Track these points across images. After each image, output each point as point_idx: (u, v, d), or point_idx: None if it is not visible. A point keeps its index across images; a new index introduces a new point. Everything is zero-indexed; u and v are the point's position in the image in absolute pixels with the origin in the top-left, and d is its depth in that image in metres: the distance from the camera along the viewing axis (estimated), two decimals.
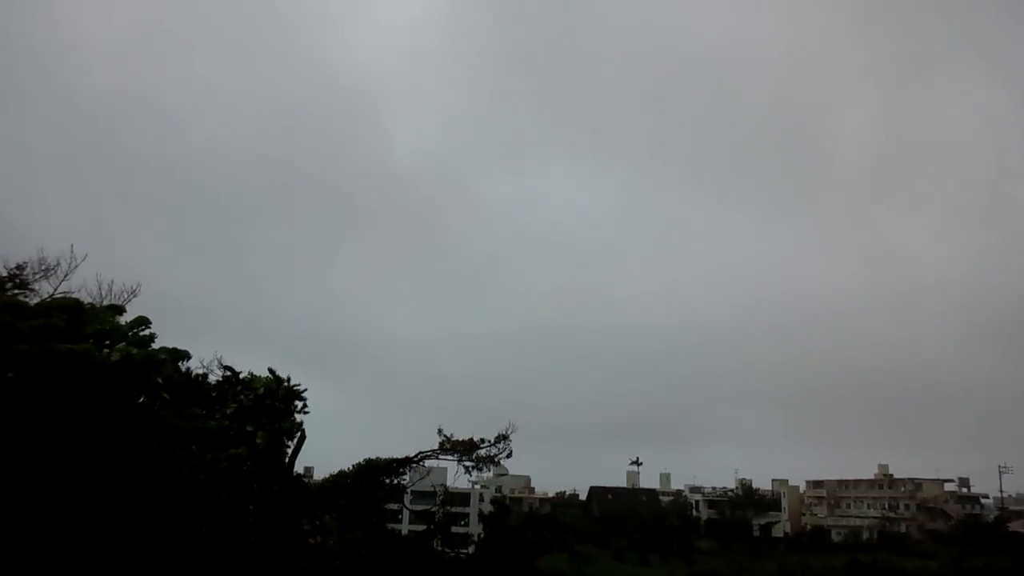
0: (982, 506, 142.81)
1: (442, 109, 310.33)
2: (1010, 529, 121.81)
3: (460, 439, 26.97)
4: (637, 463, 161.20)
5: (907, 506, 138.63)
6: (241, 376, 25.85)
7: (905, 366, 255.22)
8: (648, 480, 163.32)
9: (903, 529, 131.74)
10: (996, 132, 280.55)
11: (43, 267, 18.37)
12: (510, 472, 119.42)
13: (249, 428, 22.91)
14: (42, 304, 10.91)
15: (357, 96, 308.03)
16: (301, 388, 23.19)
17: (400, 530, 35.75)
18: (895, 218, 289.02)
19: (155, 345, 13.16)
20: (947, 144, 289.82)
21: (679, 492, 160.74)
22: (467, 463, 26.60)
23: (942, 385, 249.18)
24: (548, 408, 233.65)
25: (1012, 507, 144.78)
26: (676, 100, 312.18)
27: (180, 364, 14.62)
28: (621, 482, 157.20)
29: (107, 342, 10.67)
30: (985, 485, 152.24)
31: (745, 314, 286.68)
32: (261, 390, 23.11)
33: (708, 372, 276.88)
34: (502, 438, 26.86)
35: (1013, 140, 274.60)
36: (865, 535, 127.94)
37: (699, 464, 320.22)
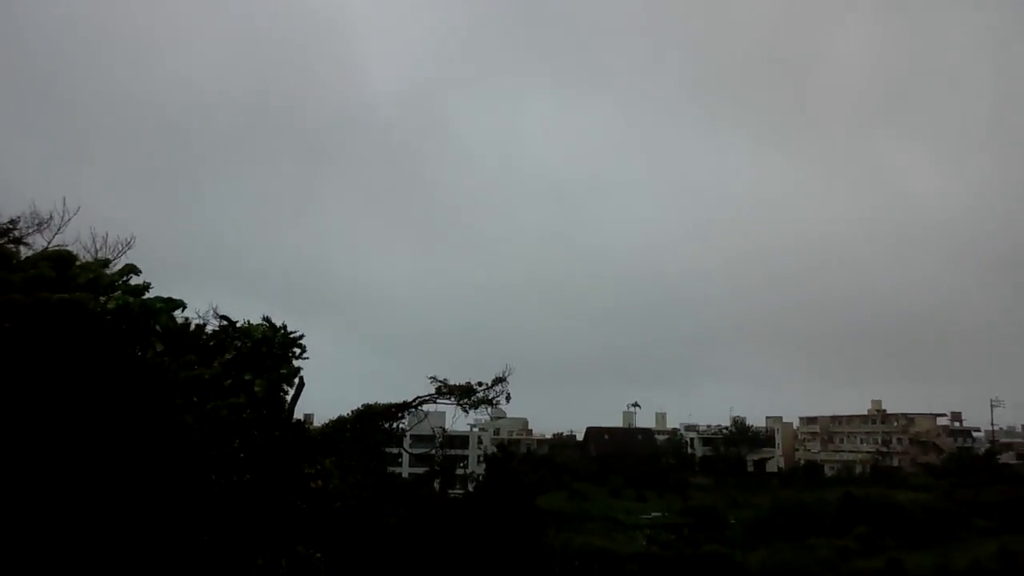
0: (974, 439, 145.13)
1: (417, 37, 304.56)
2: (1000, 461, 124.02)
3: (456, 384, 27.11)
4: (635, 406, 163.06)
5: (900, 440, 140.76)
6: (237, 325, 25.85)
7: (900, 301, 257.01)
8: (644, 420, 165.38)
9: (896, 463, 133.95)
10: (1001, 56, 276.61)
11: (36, 221, 18.23)
12: (508, 415, 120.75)
13: (247, 376, 22.95)
14: (31, 256, 10.83)
15: (328, 26, 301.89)
16: (298, 334, 23.20)
17: (400, 473, 36.23)
18: (894, 146, 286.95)
19: (148, 295, 13.11)
20: (949, 69, 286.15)
21: (675, 431, 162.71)
22: (465, 405, 26.78)
23: (936, 320, 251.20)
24: (544, 351, 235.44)
25: (1003, 440, 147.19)
26: (667, 24, 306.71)
27: (175, 314, 14.60)
28: (618, 423, 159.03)
29: (98, 293, 10.61)
30: (977, 419, 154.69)
31: (739, 251, 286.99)
32: (258, 337, 23.12)
33: (702, 311, 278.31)
34: (499, 381, 26.99)
35: (1019, 65, 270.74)
36: (858, 469, 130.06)
37: (694, 403, 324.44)
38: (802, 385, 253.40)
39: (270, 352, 22.35)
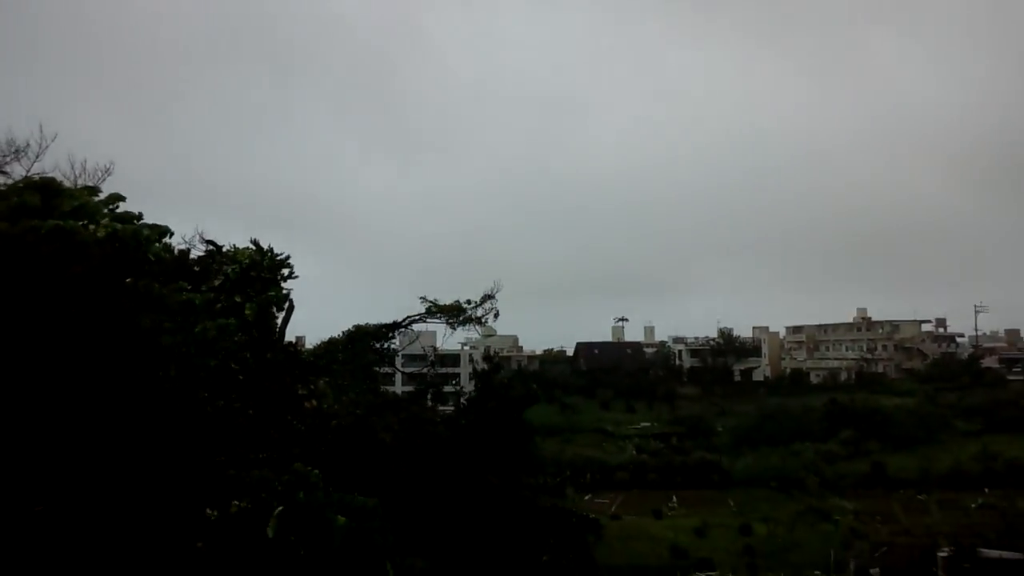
0: (957, 345, 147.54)
1: None
2: (983, 365, 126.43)
3: (446, 303, 27.39)
4: (622, 320, 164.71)
5: (884, 347, 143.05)
6: (224, 249, 25.87)
7: (887, 207, 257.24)
8: (633, 334, 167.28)
9: (880, 369, 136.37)
10: None
11: (13, 149, 18.00)
12: (498, 332, 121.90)
13: (237, 299, 23.10)
14: (14, 185, 10.79)
15: None
16: (284, 257, 23.26)
17: (394, 391, 36.80)
18: (887, 43, 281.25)
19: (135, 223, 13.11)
20: None
21: (662, 344, 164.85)
22: (454, 324, 27.12)
23: (922, 226, 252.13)
24: (531, 268, 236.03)
25: (986, 344, 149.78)
26: None
27: (161, 241, 14.63)
28: (607, 338, 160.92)
29: (86, 221, 10.63)
30: (962, 326, 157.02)
31: (726, 158, 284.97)
32: (246, 262, 23.17)
33: (689, 223, 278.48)
34: (487, 298, 27.29)
35: None
36: (843, 376, 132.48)
37: (682, 317, 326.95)
38: (789, 295, 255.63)
39: (258, 276, 22.45)
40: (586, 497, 68.76)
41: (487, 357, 23.04)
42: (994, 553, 51.43)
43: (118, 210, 12.25)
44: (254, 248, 24.00)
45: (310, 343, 33.22)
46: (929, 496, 74.93)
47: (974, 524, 62.81)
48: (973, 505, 69.54)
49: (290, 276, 23.12)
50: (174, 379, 9.15)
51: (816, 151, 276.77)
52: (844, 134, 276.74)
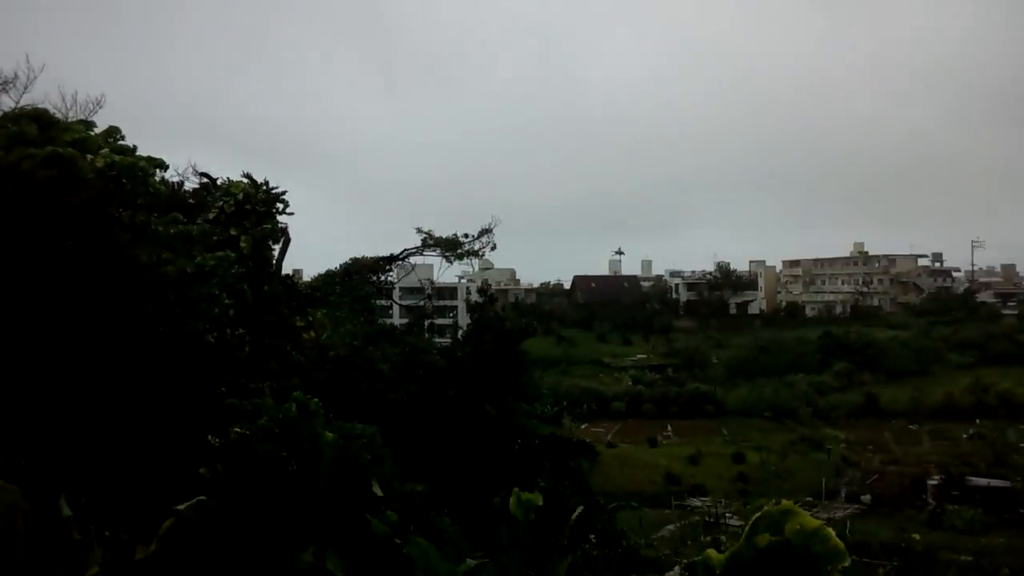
0: (953, 279, 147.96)
1: None
2: (979, 300, 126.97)
3: (442, 236, 27.44)
4: (619, 253, 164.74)
5: (880, 281, 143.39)
6: (218, 182, 25.79)
7: (887, 142, 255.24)
8: (630, 268, 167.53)
9: (876, 303, 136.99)
10: None
11: (0, 80, 17.80)
12: (495, 266, 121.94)
13: (233, 232, 23.14)
14: (9, 114, 10.73)
15: None
16: (280, 190, 23.22)
17: (391, 324, 37.08)
18: None
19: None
20: None
21: (659, 277, 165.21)
22: (451, 257, 27.19)
23: (922, 161, 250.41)
24: (530, 202, 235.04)
25: (982, 279, 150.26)
26: None
27: (157, 173, 14.59)
28: (604, 271, 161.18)
29: (85, 152, 10.62)
30: (959, 259, 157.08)
31: (724, 93, 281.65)
32: (240, 195, 23.14)
33: (689, 157, 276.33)
34: (485, 232, 27.32)
35: None
36: (838, 310, 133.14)
37: (680, 251, 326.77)
38: (786, 230, 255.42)
39: (253, 209, 22.45)
40: (583, 427, 69.85)
41: (482, 290, 23.15)
42: (982, 481, 52.61)
43: (119, 142, 12.23)
44: (248, 181, 23.96)
45: (308, 275, 33.39)
46: (921, 427, 76.19)
47: (964, 454, 64.06)
48: (964, 436, 70.73)
49: (285, 210, 23.12)
50: (173, 310, 9.26)
51: (817, 85, 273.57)
52: (845, 68, 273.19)
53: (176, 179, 27.25)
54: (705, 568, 1.17)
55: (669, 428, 76.07)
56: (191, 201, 26.64)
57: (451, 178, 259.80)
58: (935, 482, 53.23)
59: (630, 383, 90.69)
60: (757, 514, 1.19)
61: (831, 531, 1.11)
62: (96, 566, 1.56)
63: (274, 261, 24.97)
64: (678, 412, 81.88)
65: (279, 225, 23.09)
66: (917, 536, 40.75)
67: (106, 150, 9.24)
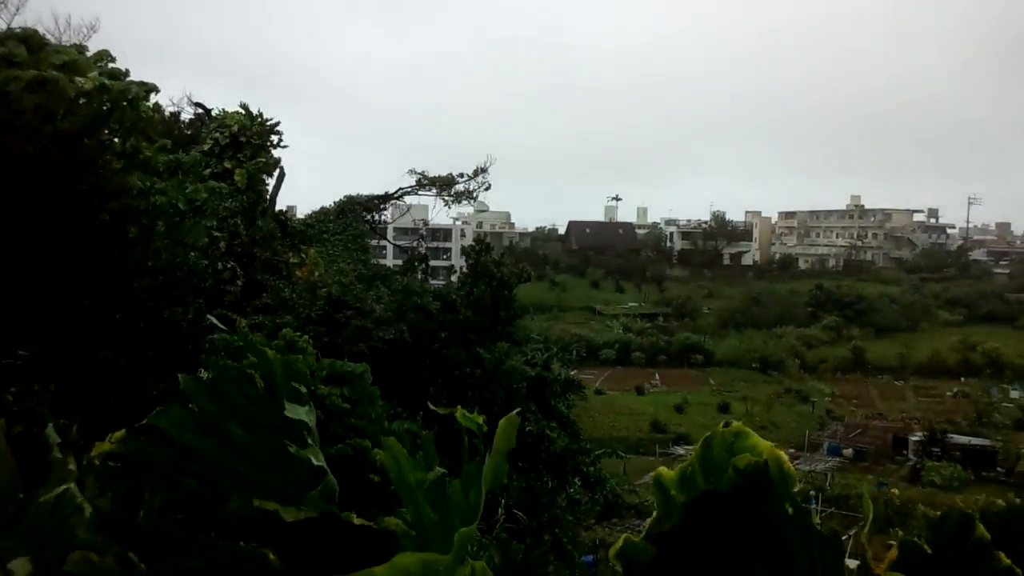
0: (948, 236, 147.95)
1: None
2: (972, 257, 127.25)
3: (437, 175, 27.18)
4: (616, 199, 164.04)
5: (875, 235, 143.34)
6: (213, 113, 25.43)
7: (887, 96, 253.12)
8: (626, 215, 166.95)
9: (869, 257, 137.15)
10: None
11: None
12: (490, 209, 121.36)
13: (228, 164, 22.90)
14: None
15: None
16: (274, 122, 22.91)
17: (385, 264, 37.00)
18: None
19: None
20: None
21: (654, 225, 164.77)
22: (446, 198, 26.98)
23: (922, 116, 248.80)
24: (527, 145, 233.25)
25: (976, 237, 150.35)
26: None
27: (149, 99, 14.28)
28: (599, 217, 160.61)
29: (74, 75, 10.34)
30: (954, 216, 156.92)
31: (723, 41, 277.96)
32: (235, 127, 22.84)
33: (688, 104, 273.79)
34: (480, 171, 27.09)
35: None
36: (831, 263, 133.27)
37: (676, 199, 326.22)
38: (783, 181, 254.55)
39: (248, 141, 22.17)
40: (572, 373, 70.18)
41: (477, 239, 22.98)
42: (963, 439, 53.32)
43: (106, 67, 11.91)
44: (243, 113, 23.61)
45: (303, 212, 33.15)
46: (906, 383, 76.98)
47: (947, 411, 64.83)
48: (948, 393, 71.54)
49: (279, 143, 22.84)
50: (163, 240, 9.11)
51: (819, 35, 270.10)
52: (848, 18, 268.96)
53: (171, 109, 26.85)
54: (658, 484, 1.17)
55: (657, 377, 76.64)
56: (187, 132, 26.30)
57: (446, 117, 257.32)
58: (917, 438, 53.91)
59: (621, 331, 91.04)
60: (708, 433, 1.18)
61: (782, 453, 1.11)
62: (73, 481, 1.53)
63: (268, 196, 24.76)
64: (667, 361, 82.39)
65: (273, 159, 22.85)
66: (896, 491, 41.36)
67: (95, 73, 8.96)
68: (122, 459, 1.52)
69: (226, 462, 1.58)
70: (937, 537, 1.31)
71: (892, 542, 1.30)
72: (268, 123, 22.55)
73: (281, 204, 28.56)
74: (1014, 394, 68.63)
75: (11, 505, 1.54)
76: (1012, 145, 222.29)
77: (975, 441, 53.00)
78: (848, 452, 54.53)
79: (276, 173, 25.06)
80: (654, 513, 1.30)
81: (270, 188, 25.17)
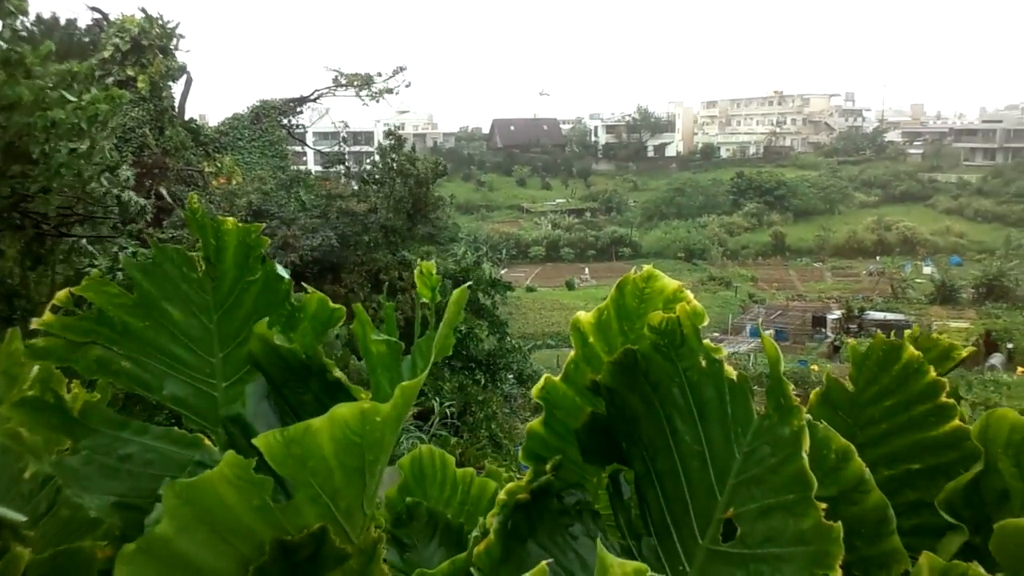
0: (864, 119, 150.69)
1: None
2: (887, 139, 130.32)
3: (355, 73, 26.39)
4: (543, 94, 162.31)
5: (794, 121, 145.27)
6: (111, 18, 24.03)
7: None
8: (553, 111, 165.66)
9: (788, 143, 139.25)
10: None
11: None
12: (413, 111, 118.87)
13: (130, 72, 21.84)
14: None
15: None
16: (175, 24, 21.77)
17: (307, 171, 36.16)
18: None
19: None
20: None
21: (579, 120, 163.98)
22: (364, 96, 26.28)
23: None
24: (447, 44, 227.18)
25: (891, 119, 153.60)
26: None
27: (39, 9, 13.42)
28: (527, 115, 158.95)
29: None
30: (870, 100, 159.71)
31: None
32: (136, 30, 21.67)
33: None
34: (399, 69, 26.38)
35: None
36: (752, 150, 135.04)
37: (602, 94, 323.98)
38: (710, 72, 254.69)
39: (150, 46, 21.10)
40: (503, 272, 70.66)
41: (389, 133, 22.48)
42: (879, 315, 55.82)
43: None
44: (144, 16, 22.39)
45: (213, 122, 31.98)
46: (824, 264, 79.79)
47: (864, 289, 67.63)
48: (865, 272, 74.41)
49: (178, 47, 21.77)
50: (51, 161, 8.63)
51: None
52: None
53: (70, 17, 25.29)
54: (576, 329, 1.24)
55: (587, 271, 77.68)
56: (85, 39, 24.85)
57: (368, 17, 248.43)
58: (835, 317, 56.22)
59: (549, 228, 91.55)
60: (620, 278, 1.24)
61: (689, 292, 1.16)
62: None
63: (176, 104, 23.77)
64: (596, 255, 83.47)
65: (178, 64, 21.84)
66: (816, 367, 43.24)
67: None
68: (54, 337, 1.47)
69: (164, 345, 1.55)
70: (862, 367, 1.36)
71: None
72: (168, 26, 21.42)
73: (192, 112, 27.53)
74: (926, 270, 71.80)
75: None
76: (924, 28, 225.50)
77: (890, 316, 55.50)
78: (769, 333, 56.46)
79: (184, 79, 24.02)
80: (571, 354, 1.37)
81: (178, 96, 24.16)
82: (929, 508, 1.19)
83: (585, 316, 1.26)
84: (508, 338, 21.02)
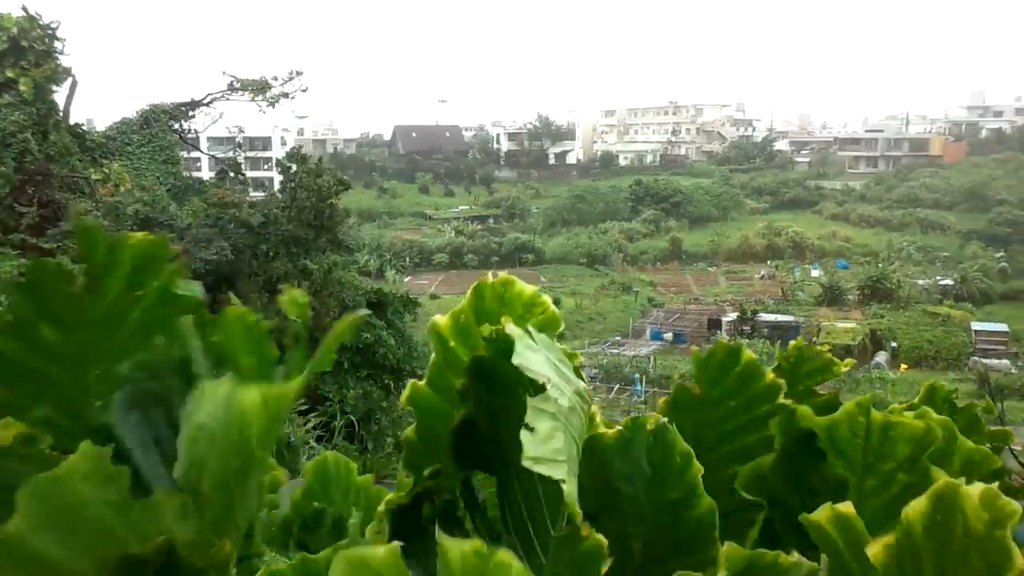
0: (754, 128, 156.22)
1: None
2: (776, 148, 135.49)
3: (250, 78, 25.86)
4: (442, 101, 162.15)
5: (688, 131, 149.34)
6: None
7: None
8: (453, 118, 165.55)
9: (683, 152, 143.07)
10: None
11: None
12: (312, 115, 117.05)
13: (10, 74, 20.83)
14: None
15: None
16: (55, 25, 20.87)
17: (201, 177, 35.19)
18: None
19: None
20: None
21: (480, 127, 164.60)
22: (260, 102, 25.78)
23: (727, 12, 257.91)
24: (349, 50, 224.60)
25: (780, 129, 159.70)
26: None
27: None
28: (428, 122, 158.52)
29: None
30: (759, 111, 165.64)
31: None
32: (15, 29, 20.68)
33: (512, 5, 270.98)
34: (296, 74, 25.99)
35: None
36: (649, 159, 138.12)
37: (503, 102, 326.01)
38: (606, 79, 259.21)
39: (31, 47, 20.17)
40: (406, 279, 70.32)
41: (290, 154, 21.97)
42: (771, 317, 57.99)
43: None
44: (24, 14, 21.39)
45: (101, 127, 30.77)
46: (719, 268, 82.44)
47: (756, 292, 70.17)
48: (757, 276, 77.22)
49: (63, 50, 20.89)
50: None
51: None
52: None
53: None
54: (434, 332, 1.27)
55: (490, 277, 77.95)
56: None
57: (265, 21, 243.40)
58: (730, 319, 58.08)
59: (453, 235, 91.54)
60: (475, 283, 1.28)
61: (547, 298, 1.22)
62: None
63: (60, 108, 22.80)
64: (499, 262, 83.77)
65: (62, 67, 20.93)
66: None
67: None
68: None
69: (36, 366, 1.51)
70: (705, 371, 1.43)
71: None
72: (49, 27, 20.50)
73: (78, 117, 26.40)
74: (815, 273, 74.98)
75: None
76: (812, 40, 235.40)
77: (781, 318, 57.74)
78: (668, 336, 58.07)
79: (68, 82, 23.04)
80: (431, 358, 1.36)
81: (63, 100, 23.16)
82: (781, 502, 1.29)
83: (442, 319, 1.29)
84: (413, 348, 20.92)
